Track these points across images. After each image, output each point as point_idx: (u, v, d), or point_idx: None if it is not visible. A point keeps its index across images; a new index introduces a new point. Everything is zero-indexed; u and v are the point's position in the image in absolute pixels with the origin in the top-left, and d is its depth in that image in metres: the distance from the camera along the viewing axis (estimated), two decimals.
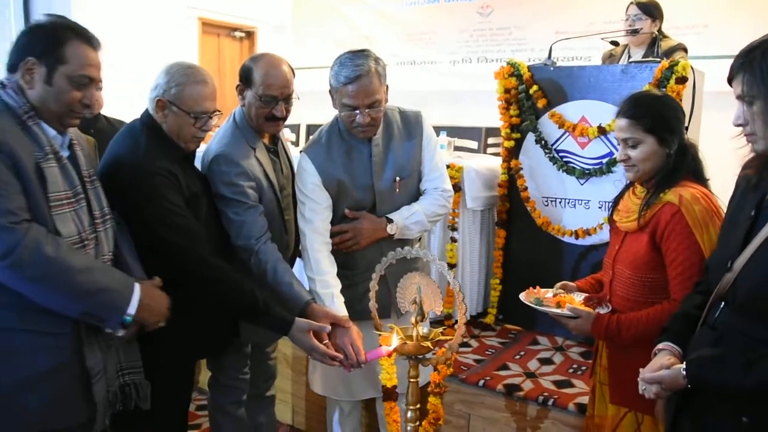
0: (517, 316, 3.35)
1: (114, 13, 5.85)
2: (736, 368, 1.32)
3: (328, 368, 2.18)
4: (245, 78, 2.25)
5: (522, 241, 3.31)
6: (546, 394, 2.59)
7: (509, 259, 3.37)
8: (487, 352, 3.07)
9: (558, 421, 2.52)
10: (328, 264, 2.20)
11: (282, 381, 3.29)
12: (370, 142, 2.25)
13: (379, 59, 2.16)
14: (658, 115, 1.83)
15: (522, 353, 3.05)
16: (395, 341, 1.92)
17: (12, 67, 1.63)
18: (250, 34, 7.45)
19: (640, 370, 1.50)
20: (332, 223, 2.27)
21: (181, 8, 6.53)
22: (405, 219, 2.27)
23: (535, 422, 2.58)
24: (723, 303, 1.43)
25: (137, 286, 1.72)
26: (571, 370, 2.85)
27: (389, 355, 1.97)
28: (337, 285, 2.20)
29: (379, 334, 2.04)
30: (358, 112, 2.11)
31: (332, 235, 2.26)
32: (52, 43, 1.61)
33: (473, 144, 4.91)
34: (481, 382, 2.71)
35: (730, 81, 1.40)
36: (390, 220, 2.26)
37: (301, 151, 2.32)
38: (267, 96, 2.19)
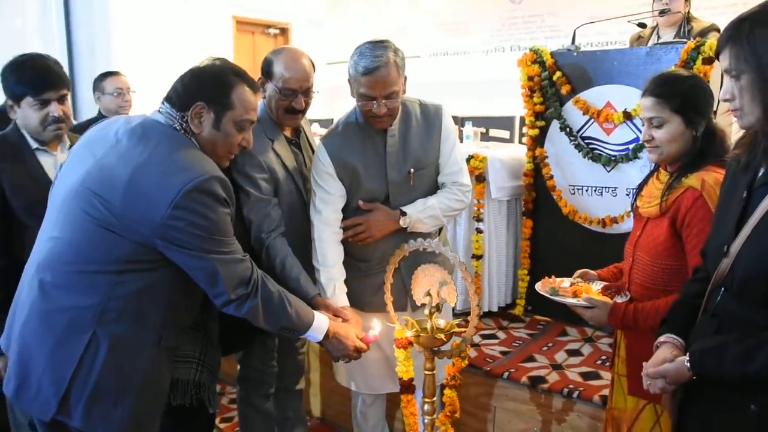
0: (546, 307, 3.26)
1: (149, 12, 5.98)
2: (737, 357, 1.27)
3: None
4: (266, 71, 2.28)
5: (549, 231, 3.26)
6: (571, 386, 2.54)
7: (537, 250, 3.31)
8: (514, 344, 3.03)
9: (583, 414, 2.48)
10: (334, 255, 2.22)
11: (312, 374, 3.33)
12: (386, 133, 2.24)
13: (398, 50, 2.15)
14: (686, 95, 1.76)
15: (550, 345, 3.01)
16: (377, 326, 2.01)
17: (178, 104, 1.67)
18: (284, 31, 7.49)
19: (644, 364, 1.45)
20: (346, 215, 2.27)
21: (216, 6, 6.63)
22: (419, 212, 2.25)
23: (561, 415, 2.54)
24: (722, 289, 1.38)
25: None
26: (599, 362, 2.79)
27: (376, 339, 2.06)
28: (340, 276, 2.21)
29: (393, 327, 2.05)
30: (374, 102, 2.11)
31: (345, 228, 2.26)
32: (220, 89, 1.67)
33: (505, 134, 4.85)
34: (506, 375, 2.68)
35: (717, 55, 1.34)
36: (403, 213, 2.24)
37: (319, 141, 2.35)
38: (286, 89, 2.21)
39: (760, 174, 1.35)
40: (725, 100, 1.33)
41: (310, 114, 2.42)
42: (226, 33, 6.80)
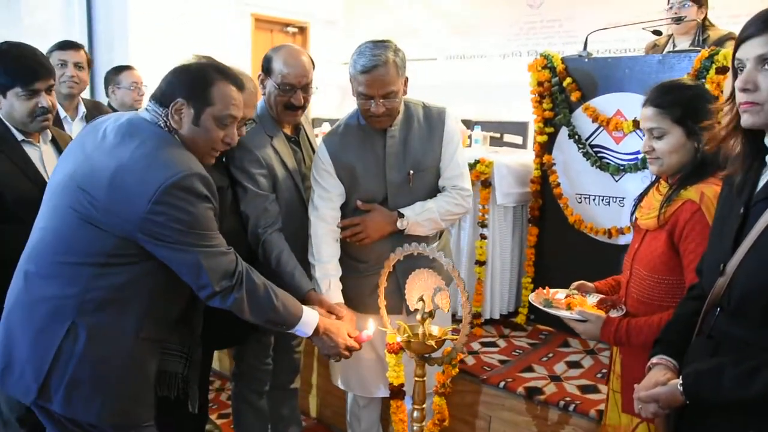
0: (549, 317, 3.16)
1: (168, 10, 6.01)
2: (734, 380, 1.21)
3: (345, 360, 2.18)
4: (265, 67, 2.30)
5: (555, 240, 3.20)
6: (568, 398, 2.49)
7: (542, 258, 3.26)
8: (513, 353, 2.98)
9: (579, 428, 2.43)
10: (329, 252, 2.22)
11: (310, 374, 3.31)
12: (386, 134, 2.22)
13: (399, 50, 2.14)
14: (687, 106, 1.71)
15: (550, 355, 2.95)
16: (372, 327, 1.99)
17: (160, 101, 1.69)
18: (302, 30, 7.51)
19: (635, 387, 1.40)
20: (345, 214, 2.27)
21: (234, 4, 6.65)
22: (417, 215, 2.23)
23: (556, 427, 2.49)
24: (718, 309, 1.31)
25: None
26: (599, 375, 2.73)
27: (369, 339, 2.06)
28: (336, 273, 2.22)
29: (383, 330, 2.03)
30: (372, 101, 2.11)
31: (343, 228, 2.26)
32: (200, 85, 1.68)
33: (518, 139, 4.80)
34: (502, 384, 2.64)
35: (744, 40, 1.24)
36: (401, 215, 2.22)
37: (321, 139, 2.34)
38: (285, 84, 2.24)
39: (758, 189, 1.29)
40: (744, 90, 1.22)
41: (321, 113, 2.43)
42: (245, 30, 6.82)
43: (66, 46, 3.16)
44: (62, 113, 3.07)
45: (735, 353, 1.26)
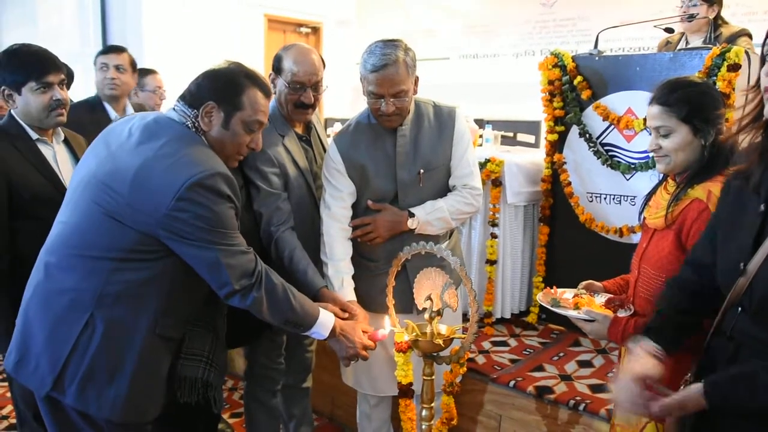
0: (561, 316, 3.18)
1: (181, 10, 6.06)
2: (759, 386, 1.18)
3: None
4: (276, 67, 2.31)
5: (566, 239, 3.19)
6: (578, 398, 2.48)
7: (553, 257, 3.25)
8: (524, 352, 2.98)
9: (589, 427, 2.42)
10: (341, 250, 2.23)
11: (322, 373, 3.32)
12: (397, 133, 2.23)
13: (409, 50, 2.14)
14: (694, 104, 1.69)
15: (561, 354, 2.95)
16: (388, 325, 1.97)
17: (189, 102, 1.73)
18: (315, 30, 7.54)
19: (651, 401, 1.33)
20: (356, 213, 2.28)
21: (247, 5, 6.69)
22: (427, 214, 2.23)
23: (566, 427, 2.48)
24: (739, 309, 1.28)
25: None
26: (610, 374, 2.72)
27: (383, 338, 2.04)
28: (348, 271, 2.23)
29: (394, 330, 2.03)
30: (382, 100, 2.12)
31: (354, 228, 2.27)
32: (231, 90, 1.73)
33: (530, 138, 4.79)
34: (512, 383, 2.64)
35: None
36: (412, 214, 2.23)
37: (331, 138, 2.36)
38: (295, 82, 2.24)
39: None
40: None
41: (334, 113, 2.43)
42: (258, 31, 6.86)
43: (108, 50, 3.30)
44: (113, 114, 3.19)
45: (757, 356, 1.23)
